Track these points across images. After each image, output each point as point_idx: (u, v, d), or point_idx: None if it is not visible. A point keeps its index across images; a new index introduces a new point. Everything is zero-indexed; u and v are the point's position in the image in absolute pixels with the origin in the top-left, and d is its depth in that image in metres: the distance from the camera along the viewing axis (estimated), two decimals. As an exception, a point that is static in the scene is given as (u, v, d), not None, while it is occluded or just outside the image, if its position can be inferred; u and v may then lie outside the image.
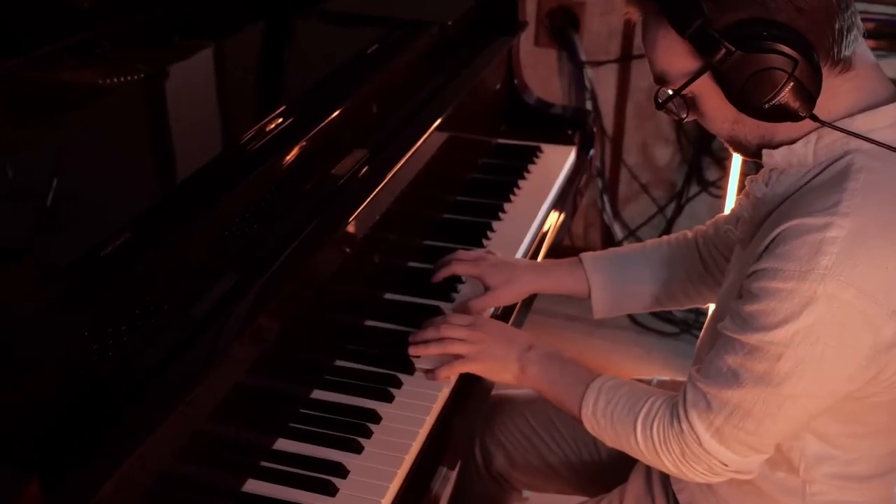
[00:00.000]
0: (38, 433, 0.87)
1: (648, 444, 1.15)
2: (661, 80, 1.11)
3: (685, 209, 2.75)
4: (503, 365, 1.30)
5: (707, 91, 1.07)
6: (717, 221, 1.42)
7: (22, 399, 0.87)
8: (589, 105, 2.75)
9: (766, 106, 1.02)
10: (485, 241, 1.64)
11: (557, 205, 1.81)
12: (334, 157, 1.41)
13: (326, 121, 1.39)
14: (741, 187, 2.41)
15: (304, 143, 1.33)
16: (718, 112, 1.09)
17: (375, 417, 1.24)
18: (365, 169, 1.40)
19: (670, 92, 1.10)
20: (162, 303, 1.07)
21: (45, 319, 0.95)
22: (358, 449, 1.19)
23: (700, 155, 2.68)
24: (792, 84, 1.00)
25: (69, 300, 0.99)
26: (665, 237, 1.48)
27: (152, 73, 1.59)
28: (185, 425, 1.02)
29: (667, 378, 1.55)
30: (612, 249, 1.50)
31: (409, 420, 1.24)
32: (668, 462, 1.14)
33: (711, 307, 2.33)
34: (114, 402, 0.95)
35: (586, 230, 2.93)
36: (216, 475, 1.12)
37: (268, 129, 1.31)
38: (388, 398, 1.28)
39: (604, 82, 2.74)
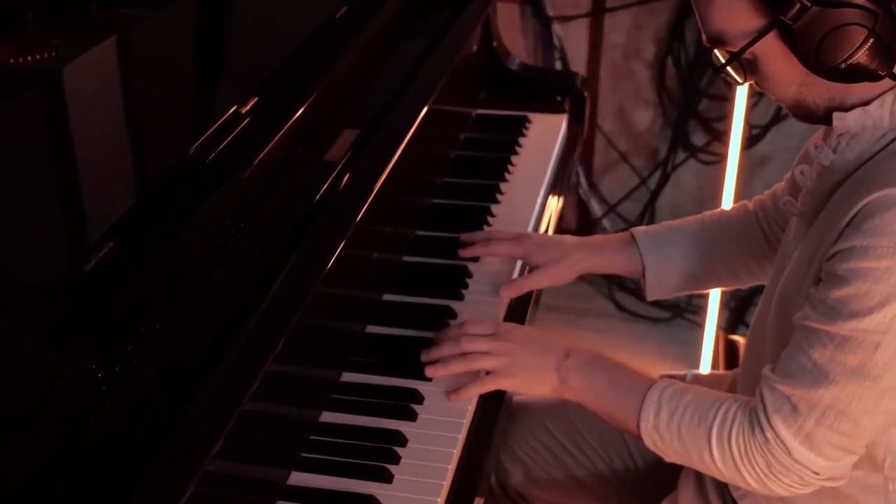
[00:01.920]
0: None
1: (726, 458, 1.15)
2: (716, 40, 1.11)
3: (671, 178, 2.79)
4: (539, 377, 1.29)
5: (772, 51, 1.08)
6: (774, 192, 1.45)
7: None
8: (558, 66, 2.77)
9: (843, 66, 1.04)
10: (486, 228, 1.64)
11: (556, 181, 1.82)
12: (317, 152, 1.38)
13: (305, 107, 1.37)
14: (744, 147, 2.47)
15: (282, 137, 1.30)
16: (784, 74, 1.10)
17: (401, 440, 1.23)
18: (357, 167, 1.37)
19: (720, 57, 1.12)
20: (156, 328, 1.04)
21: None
22: (387, 478, 1.17)
23: (685, 117, 2.72)
24: (872, 40, 1.02)
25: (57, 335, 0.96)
26: (724, 209, 1.51)
27: (77, 56, 1.53)
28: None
29: (701, 372, 1.58)
30: (665, 224, 1.52)
31: (439, 440, 1.23)
32: (749, 477, 1.15)
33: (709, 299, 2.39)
34: (122, 459, 0.93)
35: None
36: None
37: (241, 116, 1.29)
38: (411, 416, 1.26)
39: (574, 39, 2.75)
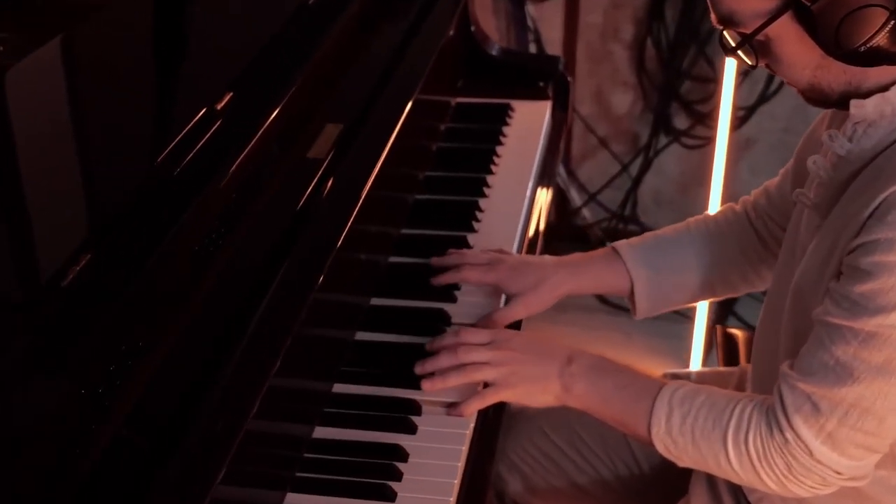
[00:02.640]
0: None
1: (744, 460, 1.15)
2: (727, 21, 1.11)
3: (653, 164, 2.80)
4: (543, 386, 1.27)
5: (786, 33, 1.08)
6: (766, 189, 1.44)
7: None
8: (533, 48, 2.76)
9: (862, 49, 1.04)
10: (475, 224, 1.62)
11: (543, 172, 1.81)
12: (300, 152, 1.35)
13: (284, 102, 1.34)
14: (733, 128, 2.47)
15: (262, 136, 1.28)
16: (799, 57, 1.10)
17: (401, 454, 1.21)
18: (343, 167, 1.35)
19: (730, 39, 1.11)
20: (139, 345, 1.01)
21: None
22: (390, 496, 1.16)
23: (667, 100, 2.72)
24: (893, 22, 1.02)
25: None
26: (709, 214, 1.49)
27: (27, 52, 1.49)
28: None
29: (700, 369, 1.57)
30: (650, 234, 1.49)
31: (442, 453, 1.22)
32: (769, 479, 1.15)
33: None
34: (112, 485, 0.91)
35: (536, 197, 2.94)
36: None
37: (216, 113, 1.26)
38: (411, 428, 1.25)
39: (548, 21, 2.74)
